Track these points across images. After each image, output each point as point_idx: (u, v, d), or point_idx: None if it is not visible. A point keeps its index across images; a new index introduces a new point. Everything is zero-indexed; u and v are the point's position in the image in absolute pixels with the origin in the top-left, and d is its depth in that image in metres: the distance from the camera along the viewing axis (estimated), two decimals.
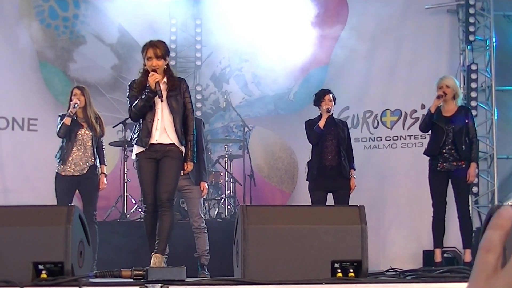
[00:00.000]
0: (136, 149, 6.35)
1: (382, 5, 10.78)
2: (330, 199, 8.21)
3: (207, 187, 7.94)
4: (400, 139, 10.63)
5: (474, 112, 9.24)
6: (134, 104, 6.26)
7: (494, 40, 10.40)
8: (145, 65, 6.36)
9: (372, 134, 10.87)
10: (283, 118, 11.49)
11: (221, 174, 10.19)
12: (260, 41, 10.72)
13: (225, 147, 10.45)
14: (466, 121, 7.80)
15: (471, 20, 10.32)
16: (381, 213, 10.22)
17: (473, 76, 10.24)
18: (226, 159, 10.31)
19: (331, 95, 8.16)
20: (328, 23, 10.78)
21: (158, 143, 6.29)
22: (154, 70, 6.22)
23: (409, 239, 10.10)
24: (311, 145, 8.25)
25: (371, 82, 10.88)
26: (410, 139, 10.58)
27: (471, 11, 10.30)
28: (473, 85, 10.21)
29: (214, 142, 11.12)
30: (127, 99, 6.43)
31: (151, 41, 6.42)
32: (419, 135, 10.18)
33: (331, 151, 8.11)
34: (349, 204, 8.02)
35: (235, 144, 10.77)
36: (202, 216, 7.99)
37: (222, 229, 8.56)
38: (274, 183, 11.44)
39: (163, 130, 6.29)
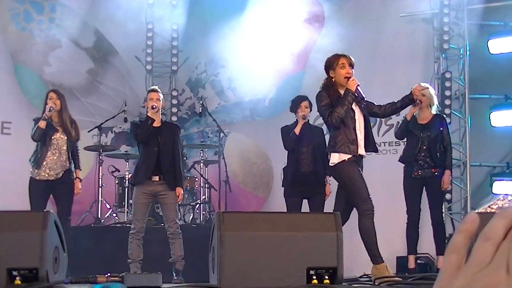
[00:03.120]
0: (340, 156, 6.44)
1: (358, 13, 10.84)
2: (305, 205, 8.24)
3: (182, 192, 7.92)
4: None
5: (447, 120, 9.32)
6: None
7: (467, 49, 10.50)
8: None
9: None
10: (259, 124, 11.51)
11: (197, 179, 10.17)
12: (236, 47, 10.73)
13: (200, 153, 10.43)
14: (441, 129, 7.89)
15: (446, 28, 10.42)
16: (355, 219, 10.22)
17: (447, 84, 10.33)
18: (202, 164, 10.29)
19: (307, 102, 8.19)
20: (304, 30, 10.81)
21: (360, 155, 6.53)
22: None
23: (383, 245, 10.03)
24: (286, 151, 8.27)
25: None
26: (384, 145, 10.62)
27: (446, 20, 10.40)
28: (447, 93, 10.30)
29: (189, 148, 11.10)
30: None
31: None
32: (393, 142, 10.24)
33: (307, 158, 8.14)
34: (324, 210, 8.06)
35: (211, 150, 10.77)
36: (178, 221, 7.98)
37: (197, 235, 8.54)
38: (249, 188, 11.45)
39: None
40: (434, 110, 7.99)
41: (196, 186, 10.14)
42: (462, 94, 10.53)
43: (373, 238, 6.42)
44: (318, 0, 11.08)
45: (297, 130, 8.07)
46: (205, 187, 10.16)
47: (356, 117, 6.57)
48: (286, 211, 8.04)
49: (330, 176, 8.28)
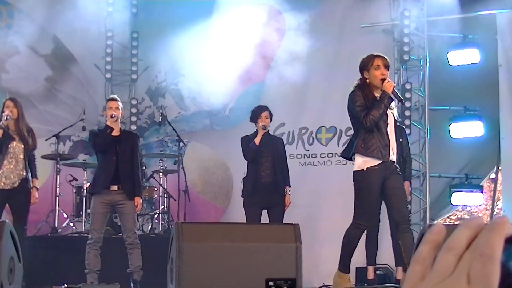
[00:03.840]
0: (366, 162, 6.21)
1: (319, 23, 10.87)
2: (264, 216, 8.21)
3: (141, 202, 7.85)
4: (335, 156, 10.69)
5: (407, 131, 9.37)
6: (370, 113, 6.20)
7: (427, 60, 10.58)
8: None
9: (307, 150, 10.92)
10: (219, 133, 11.47)
11: (156, 189, 10.09)
12: (197, 56, 10.68)
13: (160, 162, 10.36)
14: (400, 139, 7.91)
15: (406, 40, 10.50)
16: (315, 229, 10.24)
17: (407, 95, 10.38)
18: (161, 174, 10.22)
19: (267, 112, 8.18)
20: (264, 40, 10.81)
21: (391, 160, 6.27)
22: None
23: None
24: (246, 161, 8.24)
25: (307, 99, 10.94)
26: None
27: (406, 31, 10.48)
28: (407, 104, 10.35)
29: (148, 157, 11.01)
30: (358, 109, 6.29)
31: None
32: None
33: (267, 168, 8.12)
34: (284, 220, 8.05)
35: (170, 159, 10.70)
36: (136, 231, 7.89)
37: (156, 245, 8.48)
38: (209, 198, 11.39)
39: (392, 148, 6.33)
40: None
41: (155, 195, 10.06)
42: (422, 105, 10.60)
43: (352, 248, 6.39)
44: (279, 10, 11.08)
45: (257, 141, 8.05)
46: (164, 196, 10.09)
47: (388, 121, 6.33)
48: (245, 221, 8.01)
49: (289, 187, 8.28)
